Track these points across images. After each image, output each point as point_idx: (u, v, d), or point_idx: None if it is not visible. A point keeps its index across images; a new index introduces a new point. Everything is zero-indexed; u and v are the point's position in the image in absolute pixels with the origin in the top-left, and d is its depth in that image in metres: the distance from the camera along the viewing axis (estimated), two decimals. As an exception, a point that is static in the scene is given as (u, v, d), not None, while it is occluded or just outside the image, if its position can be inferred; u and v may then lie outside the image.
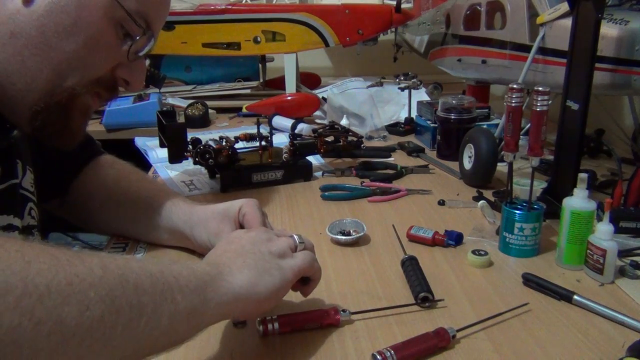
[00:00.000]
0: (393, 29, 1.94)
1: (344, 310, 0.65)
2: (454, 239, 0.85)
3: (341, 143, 1.20)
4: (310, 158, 1.18)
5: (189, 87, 1.84)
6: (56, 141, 0.70)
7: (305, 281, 0.65)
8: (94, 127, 1.63)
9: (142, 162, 1.27)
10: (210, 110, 1.67)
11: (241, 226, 0.77)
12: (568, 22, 0.95)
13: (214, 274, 0.53)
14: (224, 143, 1.09)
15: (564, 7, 1.02)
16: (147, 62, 0.78)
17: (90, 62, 0.65)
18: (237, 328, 0.64)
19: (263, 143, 1.15)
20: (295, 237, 0.65)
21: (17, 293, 0.37)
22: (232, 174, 1.09)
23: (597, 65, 0.88)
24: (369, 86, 1.61)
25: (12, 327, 0.36)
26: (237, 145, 1.11)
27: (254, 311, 0.58)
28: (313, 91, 1.79)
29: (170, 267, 0.50)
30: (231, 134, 1.15)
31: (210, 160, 1.07)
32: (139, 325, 0.43)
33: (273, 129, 1.32)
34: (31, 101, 0.64)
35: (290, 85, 1.74)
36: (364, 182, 1.12)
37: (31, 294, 0.37)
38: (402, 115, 1.55)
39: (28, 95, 0.63)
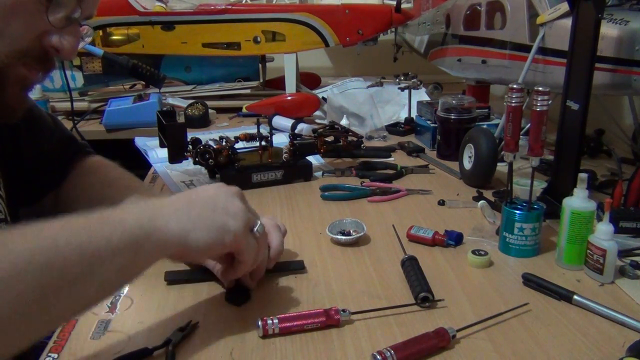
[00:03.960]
0: (393, 29, 1.94)
1: (344, 310, 0.65)
2: (454, 239, 0.85)
3: (341, 143, 1.20)
4: (310, 158, 1.18)
5: (189, 87, 1.84)
6: None
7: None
8: (94, 127, 1.63)
9: (142, 162, 1.27)
10: (210, 110, 1.67)
11: None
12: (568, 22, 0.95)
13: (147, 227, 0.56)
14: (224, 143, 1.09)
15: (564, 7, 1.02)
16: (88, 31, 0.73)
17: (8, 32, 0.60)
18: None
19: (263, 143, 1.15)
20: (259, 225, 0.66)
21: None
22: (232, 174, 1.09)
23: (597, 65, 0.88)
24: (369, 86, 1.61)
25: None
26: (237, 145, 1.12)
27: (183, 255, 0.61)
28: (313, 91, 1.79)
29: (102, 229, 0.52)
30: (231, 134, 1.15)
31: (210, 160, 1.07)
32: (70, 293, 0.48)
33: (273, 129, 1.32)
34: None
35: (290, 85, 1.74)
36: (364, 182, 1.12)
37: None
38: (402, 115, 1.55)
39: None
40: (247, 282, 0.71)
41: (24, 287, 0.45)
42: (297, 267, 0.78)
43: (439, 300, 0.69)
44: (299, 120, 1.46)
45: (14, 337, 0.45)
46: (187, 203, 0.61)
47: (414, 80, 1.52)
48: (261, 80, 1.91)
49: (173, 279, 0.75)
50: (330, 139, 1.19)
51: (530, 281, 0.73)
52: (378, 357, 0.57)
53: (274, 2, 1.95)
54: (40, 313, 0.46)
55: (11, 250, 0.46)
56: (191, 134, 1.12)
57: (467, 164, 1.11)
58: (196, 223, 0.59)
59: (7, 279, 0.44)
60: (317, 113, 1.59)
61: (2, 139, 0.79)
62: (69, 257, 0.49)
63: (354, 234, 0.87)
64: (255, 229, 0.65)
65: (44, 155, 0.87)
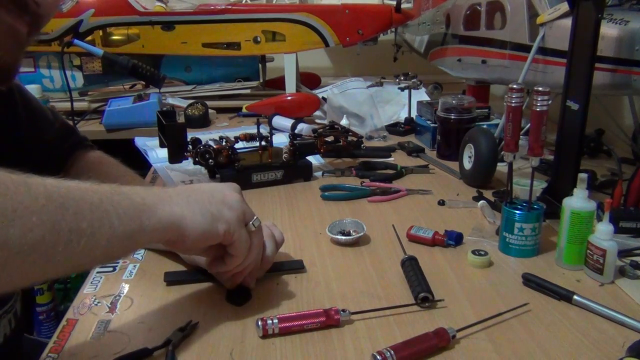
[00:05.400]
0: (393, 29, 1.94)
1: (343, 310, 0.65)
2: (454, 239, 0.85)
3: (341, 143, 1.20)
4: (310, 158, 1.18)
5: (189, 87, 1.84)
6: None
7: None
8: (94, 127, 1.63)
9: (142, 162, 1.27)
10: (210, 110, 1.67)
11: None
12: (568, 22, 0.95)
13: (150, 203, 0.58)
14: (224, 143, 1.09)
15: (564, 7, 1.02)
16: None
17: None
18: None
19: (263, 143, 1.15)
20: (255, 218, 0.67)
21: None
22: (232, 174, 1.09)
23: (597, 65, 0.88)
24: (369, 86, 1.61)
25: None
26: (237, 145, 1.11)
27: (177, 243, 0.61)
28: (313, 91, 1.79)
29: (111, 197, 0.54)
30: (231, 134, 1.15)
31: (210, 160, 1.07)
32: (78, 245, 0.49)
33: (273, 129, 1.32)
34: None
35: (290, 85, 1.74)
36: (364, 182, 1.12)
37: None
38: (402, 115, 1.55)
39: None
40: (246, 282, 0.71)
41: (37, 220, 0.46)
42: (296, 267, 0.78)
43: (439, 300, 0.69)
44: (299, 120, 1.46)
45: (20, 269, 0.46)
46: (187, 190, 0.64)
47: (414, 80, 1.52)
48: (261, 80, 1.91)
49: (172, 279, 0.75)
50: (330, 139, 1.19)
51: (530, 281, 0.73)
52: (378, 357, 0.57)
53: (274, 2, 1.95)
54: (48, 251, 0.47)
55: (30, 186, 0.47)
56: (191, 134, 1.11)
57: (467, 164, 1.11)
58: (193, 208, 0.61)
59: (23, 210, 0.45)
60: (317, 113, 1.59)
61: (3, 129, 0.79)
62: (81, 209, 0.50)
63: (354, 234, 0.87)
64: (251, 223, 0.66)
65: (45, 144, 0.87)
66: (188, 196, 0.62)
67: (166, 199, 0.60)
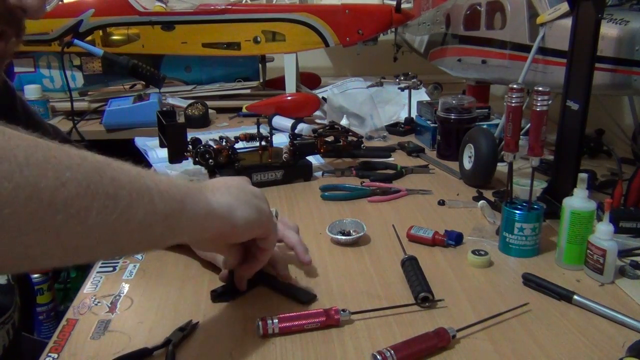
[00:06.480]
0: (393, 29, 1.94)
1: (343, 310, 0.65)
2: (454, 239, 0.85)
3: (341, 143, 1.20)
4: (310, 158, 1.18)
5: (189, 87, 1.84)
6: None
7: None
8: (94, 127, 1.63)
9: (142, 162, 1.27)
10: (210, 110, 1.67)
11: None
12: (568, 22, 0.95)
13: (194, 188, 0.55)
14: (224, 143, 1.09)
15: (564, 7, 1.02)
16: None
17: None
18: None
19: (263, 143, 1.15)
20: (275, 209, 0.70)
21: None
22: (232, 174, 1.09)
23: (597, 65, 0.88)
24: (369, 86, 1.61)
25: None
26: (237, 145, 1.12)
27: (226, 234, 0.60)
28: (313, 91, 1.79)
29: (151, 174, 0.50)
30: (231, 134, 1.15)
31: (210, 160, 1.07)
32: (113, 213, 0.44)
33: (273, 129, 1.32)
34: None
35: (290, 85, 1.74)
36: (364, 182, 1.12)
37: (10, 161, 0.38)
38: (402, 115, 1.55)
39: None
40: (240, 284, 0.71)
41: (71, 176, 0.41)
42: (306, 300, 0.70)
43: (439, 300, 0.69)
44: (299, 120, 1.46)
45: (51, 226, 0.41)
46: (221, 183, 0.62)
47: (414, 80, 1.52)
48: (261, 80, 1.91)
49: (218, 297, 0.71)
50: (330, 139, 1.19)
51: (530, 281, 0.73)
52: (378, 357, 0.57)
53: (274, 2, 1.95)
54: (80, 213, 0.42)
55: (63, 147, 0.43)
56: (191, 134, 1.12)
57: (467, 164, 1.11)
58: (239, 201, 0.60)
59: (56, 163, 0.41)
60: (317, 113, 1.59)
61: None
62: (119, 177, 0.45)
63: (354, 234, 0.87)
64: (275, 214, 0.68)
65: None
66: (229, 190, 0.60)
67: (210, 189, 0.58)
